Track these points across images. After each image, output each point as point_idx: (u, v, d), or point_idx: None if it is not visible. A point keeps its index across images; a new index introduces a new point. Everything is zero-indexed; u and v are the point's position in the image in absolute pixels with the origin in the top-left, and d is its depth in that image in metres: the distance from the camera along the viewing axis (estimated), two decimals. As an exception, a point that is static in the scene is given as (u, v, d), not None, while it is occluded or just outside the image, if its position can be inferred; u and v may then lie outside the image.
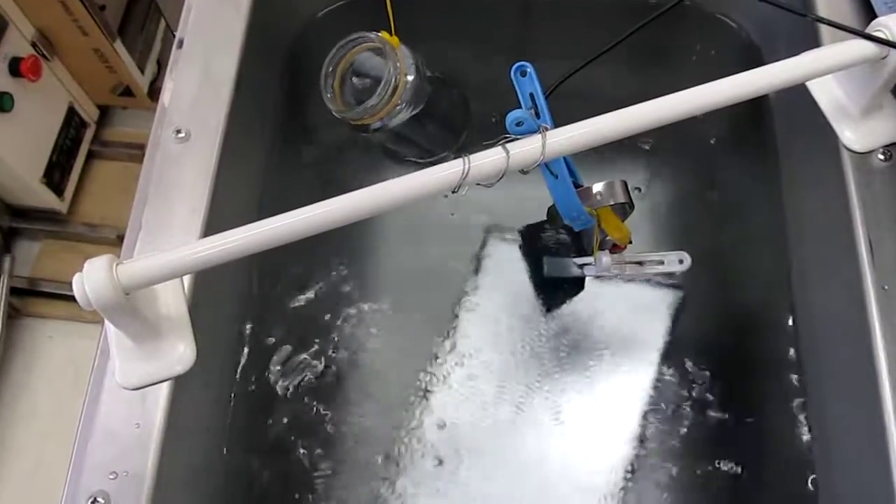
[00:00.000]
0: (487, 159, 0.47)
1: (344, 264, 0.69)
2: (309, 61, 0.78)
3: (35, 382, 1.45)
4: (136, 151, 1.57)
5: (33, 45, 1.33)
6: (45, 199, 1.44)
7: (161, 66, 1.59)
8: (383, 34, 0.62)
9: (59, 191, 1.46)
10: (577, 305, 0.67)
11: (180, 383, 0.52)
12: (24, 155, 1.36)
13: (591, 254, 0.62)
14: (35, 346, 1.47)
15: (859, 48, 0.51)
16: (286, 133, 0.74)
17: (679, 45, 0.77)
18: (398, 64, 0.61)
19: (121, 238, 1.49)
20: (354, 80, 0.66)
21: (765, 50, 0.73)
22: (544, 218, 0.68)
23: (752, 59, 0.74)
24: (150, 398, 0.51)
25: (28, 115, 1.34)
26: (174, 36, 0.66)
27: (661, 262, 0.62)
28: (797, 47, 0.64)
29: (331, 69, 0.64)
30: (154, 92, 1.57)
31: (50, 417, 1.42)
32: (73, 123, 1.48)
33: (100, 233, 1.51)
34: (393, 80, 0.61)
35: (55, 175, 1.45)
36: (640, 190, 0.71)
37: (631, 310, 0.67)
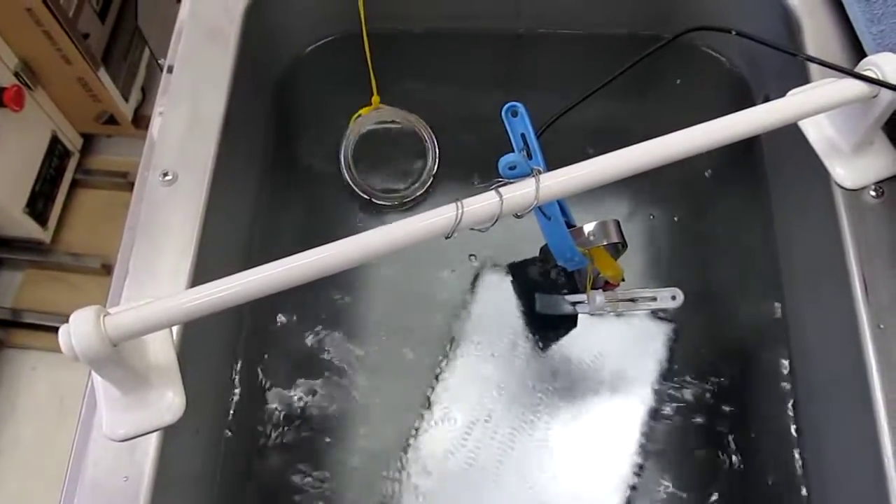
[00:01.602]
0: (481, 204, 0.47)
1: (334, 303, 0.68)
2: (297, 98, 0.77)
3: (19, 414, 1.43)
4: (120, 180, 1.56)
5: (16, 74, 1.32)
6: (28, 228, 1.43)
7: (146, 93, 1.58)
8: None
9: (42, 220, 1.45)
10: (570, 342, 0.66)
11: (170, 432, 0.51)
12: (6, 185, 1.34)
13: (583, 291, 0.62)
14: (18, 377, 1.45)
15: (850, 87, 0.51)
16: (275, 172, 0.74)
17: (670, 79, 0.77)
18: (431, 138, 0.64)
19: (105, 267, 1.48)
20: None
21: (754, 84, 0.74)
22: (537, 254, 0.67)
23: (742, 92, 0.74)
24: (139, 449, 0.50)
25: (11, 144, 1.33)
26: (158, 63, 0.66)
27: (654, 299, 0.62)
28: (786, 82, 0.64)
29: (350, 161, 0.66)
30: (139, 119, 1.56)
31: (34, 450, 1.40)
32: (56, 152, 1.47)
33: (84, 262, 1.49)
34: (434, 155, 0.66)
35: (38, 204, 1.43)
36: (676, 219, 0.71)
37: (624, 345, 0.66)
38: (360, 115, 0.69)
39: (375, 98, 0.68)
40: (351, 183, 0.71)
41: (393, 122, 0.70)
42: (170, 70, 0.64)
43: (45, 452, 1.39)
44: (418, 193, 0.71)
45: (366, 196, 0.71)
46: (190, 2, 0.67)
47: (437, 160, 0.68)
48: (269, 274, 0.45)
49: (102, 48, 1.43)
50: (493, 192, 0.47)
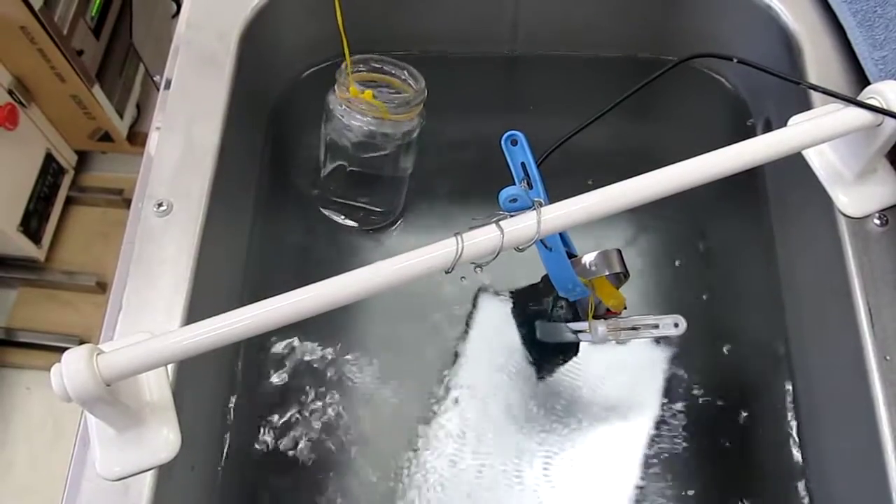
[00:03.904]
0: (482, 238, 0.46)
1: (330, 332, 0.67)
2: (292, 124, 0.77)
3: (13, 435, 1.41)
4: (115, 197, 1.55)
5: (10, 92, 1.32)
6: (23, 247, 1.42)
7: (141, 109, 1.57)
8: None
9: (36, 239, 1.44)
10: (571, 369, 0.66)
11: (165, 469, 0.50)
12: (0, 203, 1.33)
13: (585, 319, 0.61)
14: (12, 397, 1.44)
15: (854, 116, 0.51)
16: (270, 198, 0.73)
17: (671, 102, 0.77)
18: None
19: (100, 285, 1.47)
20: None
21: (754, 106, 0.73)
22: (537, 281, 0.67)
23: (742, 114, 0.74)
24: (134, 489, 0.49)
25: (4, 163, 1.32)
26: (153, 80, 0.65)
27: (657, 326, 0.61)
28: (787, 104, 0.64)
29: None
30: (134, 136, 1.55)
31: (28, 471, 1.39)
32: (50, 170, 1.46)
33: (78, 280, 1.48)
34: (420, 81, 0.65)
35: (32, 223, 1.42)
36: (678, 245, 0.70)
37: (626, 373, 0.66)
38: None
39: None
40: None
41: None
42: (167, 86, 0.64)
43: (39, 473, 1.38)
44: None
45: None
46: (185, 27, 0.66)
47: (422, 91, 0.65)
48: (265, 311, 0.44)
49: (97, 65, 1.42)
50: (493, 225, 0.46)
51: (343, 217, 0.72)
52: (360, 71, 0.65)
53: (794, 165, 0.59)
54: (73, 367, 0.42)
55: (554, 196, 0.48)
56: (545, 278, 0.65)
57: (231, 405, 0.64)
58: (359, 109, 0.64)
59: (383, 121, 0.65)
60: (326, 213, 0.72)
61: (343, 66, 0.65)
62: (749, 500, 0.60)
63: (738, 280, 0.69)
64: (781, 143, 0.49)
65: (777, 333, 0.65)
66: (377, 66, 0.66)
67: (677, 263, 0.70)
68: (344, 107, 0.65)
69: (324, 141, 0.69)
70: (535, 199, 0.47)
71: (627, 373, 0.65)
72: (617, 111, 0.55)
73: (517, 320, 0.67)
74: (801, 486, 0.59)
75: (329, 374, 0.66)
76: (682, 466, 0.61)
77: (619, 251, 0.57)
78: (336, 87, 0.65)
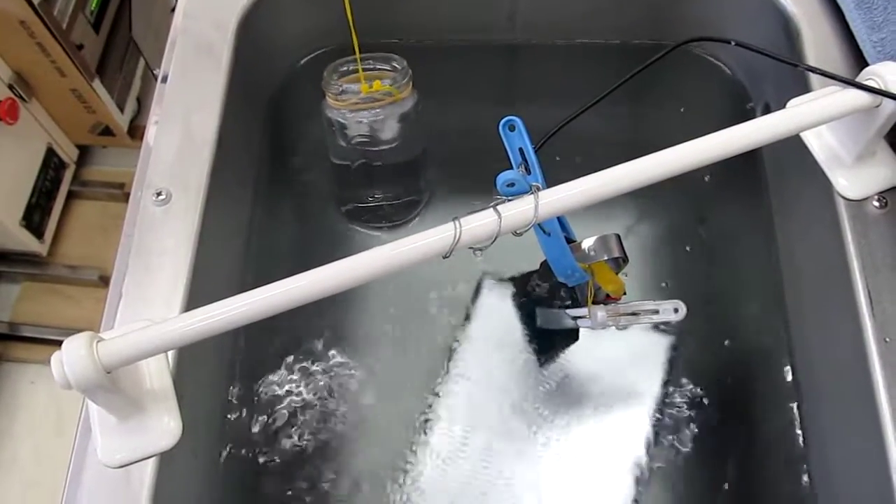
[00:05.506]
0: (479, 222, 0.46)
1: (330, 319, 0.67)
2: (291, 111, 0.77)
3: (17, 429, 1.42)
4: (116, 191, 1.56)
5: (10, 87, 1.32)
6: (25, 241, 1.42)
7: (141, 103, 1.58)
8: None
9: (38, 233, 1.44)
10: (571, 356, 0.66)
11: (166, 456, 0.50)
12: (2, 198, 1.34)
13: (585, 305, 0.61)
14: (17, 391, 1.44)
15: (852, 98, 0.51)
16: (269, 189, 0.73)
17: (669, 86, 0.77)
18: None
19: (103, 279, 1.47)
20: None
21: (753, 91, 0.73)
22: (537, 268, 0.67)
23: (741, 99, 0.73)
24: (135, 475, 0.49)
25: (6, 157, 1.33)
26: (153, 74, 0.65)
27: (656, 312, 0.61)
28: (786, 88, 0.64)
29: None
30: (134, 130, 1.55)
31: (33, 464, 1.40)
32: (52, 164, 1.46)
33: (81, 274, 1.49)
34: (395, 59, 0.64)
35: (34, 217, 1.43)
36: (677, 230, 0.70)
37: (626, 359, 0.66)
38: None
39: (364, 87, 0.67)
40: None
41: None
42: (164, 80, 0.64)
43: (43, 466, 1.39)
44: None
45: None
46: (182, 17, 0.66)
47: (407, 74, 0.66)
48: (263, 298, 0.44)
49: (97, 59, 1.42)
50: (491, 210, 0.46)
51: (385, 222, 0.72)
52: (337, 80, 0.65)
53: (792, 149, 0.59)
54: (73, 354, 0.42)
55: (552, 182, 0.48)
56: (544, 265, 0.65)
57: (232, 392, 0.64)
58: (368, 106, 0.64)
59: (393, 104, 0.65)
60: (373, 224, 0.72)
61: (326, 75, 0.65)
62: (750, 481, 0.60)
63: (737, 264, 0.69)
64: (780, 125, 0.49)
65: (777, 316, 0.65)
66: (345, 68, 0.66)
67: (676, 248, 0.70)
68: (351, 112, 0.65)
69: (337, 156, 0.69)
70: (533, 184, 0.47)
71: (627, 358, 0.65)
72: (616, 96, 0.55)
73: (517, 307, 0.67)
74: (801, 468, 0.60)
75: (330, 360, 0.66)
76: (683, 450, 0.62)
77: (618, 236, 0.57)
78: (328, 99, 0.65)
